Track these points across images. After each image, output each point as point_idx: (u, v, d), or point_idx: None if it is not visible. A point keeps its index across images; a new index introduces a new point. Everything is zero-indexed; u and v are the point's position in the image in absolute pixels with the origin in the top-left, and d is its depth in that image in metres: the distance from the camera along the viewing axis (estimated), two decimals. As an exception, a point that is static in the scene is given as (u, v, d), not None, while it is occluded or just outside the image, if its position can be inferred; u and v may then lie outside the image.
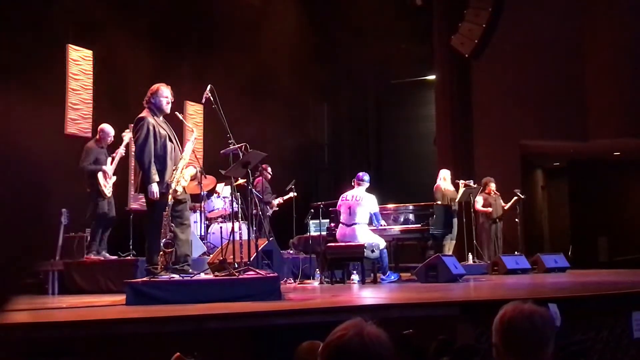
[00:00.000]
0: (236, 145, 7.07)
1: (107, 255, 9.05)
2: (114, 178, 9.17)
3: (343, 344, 1.85)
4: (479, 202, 12.22)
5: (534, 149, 15.35)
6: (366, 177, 9.66)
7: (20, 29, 9.99)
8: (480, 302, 5.66)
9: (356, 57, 15.75)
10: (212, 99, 6.96)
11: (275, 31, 13.12)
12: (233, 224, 7.39)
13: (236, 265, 6.64)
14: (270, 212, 11.76)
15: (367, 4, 14.31)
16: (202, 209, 10.45)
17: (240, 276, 6.28)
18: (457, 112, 14.94)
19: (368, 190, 9.65)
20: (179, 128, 7.09)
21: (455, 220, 11.48)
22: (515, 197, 12.50)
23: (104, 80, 11.29)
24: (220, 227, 10.44)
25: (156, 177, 6.44)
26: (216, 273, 6.78)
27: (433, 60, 15.47)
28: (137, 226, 9.51)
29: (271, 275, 6.59)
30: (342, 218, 9.49)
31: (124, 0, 11.56)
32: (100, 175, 8.91)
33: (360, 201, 9.36)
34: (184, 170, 6.75)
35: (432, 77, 16.13)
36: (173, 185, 6.55)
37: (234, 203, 8.08)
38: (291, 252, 11.05)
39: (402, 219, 10.23)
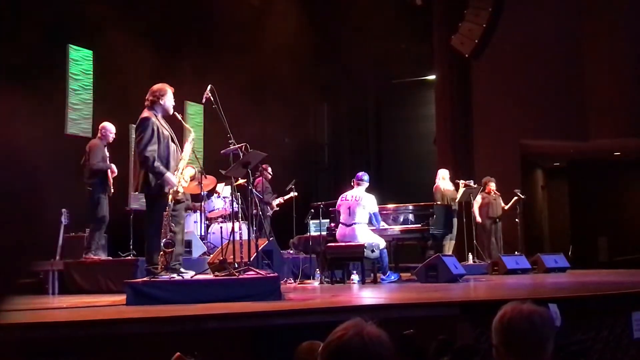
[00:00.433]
0: (236, 145, 7.07)
1: (101, 255, 9.02)
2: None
3: (343, 344, 1.85)
4: (476, 202, 12.22)
5: (534, 149, 15.36)
6: (365, 177, 9.65)
7: (21, 29, 9.99)
8: (480, 302, 5.66)
9: (356, 57, 15.76)
10: (212, 99, 6.96)
11: (275, 31, 13.13)
12: (233, 224, 7.39)
13: (236, 265, 6.64)
14: (270, 212, 11.76)
15: (367, 4, 14.31)
16: (202, 209, 10.45)
17: (241, 276, 6.28)
18: (457, 112, 14.94)
19: (368, 190, 9.65)
20: (178, 129, 7.07)
21: (455, 220, 11.48)
22: (516, 197, 12.50)
23: (105, 80, 11.30)
24: (221, 227, 10.43)
25: (164, 168, 6.45)
26: (216, 273, 6.78)
27: (433, 60, 15.47)
28: (137, 226, 9.51)
29: (271, 275, 6.59)
30: (342, 218, 9.48)
31: (124, 1, 11.56)
32: (109, 173, 8.94)
33: (360, 201, 9.36)
34: (183, 171, 6.75)
35: (432, 77, 16.13)
36: (182, 183, 6.59)
37: (234, 203, 8.08)
38: (291, 252, 11.04)
39: (401, 219, 10.23)
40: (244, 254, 6.82)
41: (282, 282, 7.63)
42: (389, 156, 17.43)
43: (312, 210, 10.41)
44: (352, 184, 9.75)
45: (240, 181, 9.42)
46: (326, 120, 17.72)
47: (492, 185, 12.39)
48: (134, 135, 7.78)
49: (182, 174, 6.69)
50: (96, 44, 11.24)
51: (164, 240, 6.41)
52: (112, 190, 9.00)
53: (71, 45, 10.81)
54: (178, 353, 3.08)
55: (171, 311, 5.05)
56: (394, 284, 9.09)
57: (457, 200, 11.71)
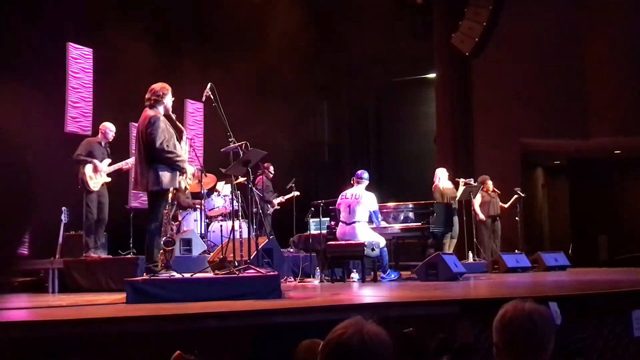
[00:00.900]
0: (236, 144, 7.07)
1: (97, 254, 9.01)
2: (107, 179, 9.08)
3: (343, 342, 1.85)
4: (477, 200, 12.22)
5: (535, 147, 15.35)
6: (365, 175, 9.64)
7: (21, 27, 9.98)
8: (481, 300, 5.66)
9: (357, 55, 15.75)
10: (212, 97, 6.96)
11: (275, 29, 13.12)
12: (233, 222, 7.39)
13: (236, 264, 6.64)
14: (271, 210, 11.77)
15: (368, 2, 14.30)
16: (203, 207, 10.46)
17: (241, 274, 6.29)
18: (458, 111, 14.93)
19: (368, 188, 9.65)
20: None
21: (456, 219, 11.48)
22: (516, 196, 12.50)
23: (105, 78, 11.29)
24: (221, 226, 10.44)
25: (182, 158, 6.51)
26: (216, 271, 6.79)
27: (433, 59, 15.46)
28: (137, 224, 9.51)
29: (271, 273, 6.59)
30: (342, 217, 9.48)
31: (124, -2, 11.57)
32: (89, 167, 8.88)
33: (360, 199, 9.36)
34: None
35: (432, 75, 16.12)
36: (183, 185, 6.62)
37: (234, 201, 8.08)
38: (291, 250, 11.05)
39: (401, 218, 10.23)
40: (244, 252, 6.82)
41: (282, 280, 7.63)
42: (389, 154, 17.41)
43: (312, 209, 10.41)
44: (352, 182, 9.75)
45: (241, 179, 9.42)
46: (326, 119, 17.71)
47: (489, 184, 12.38)
48: (134, 134, 7.77)
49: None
50: (96, 42, 11.23)
51: (164, 239, 6.42)
52: (93, 187, 8.88)
53: (71, 43, 10.80)
54: (178, 351, 3.08)
55: (171, 309, 5.05)
56: (394, 282, 9.09)
57: (457, 199, 11.70)
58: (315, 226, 10.80)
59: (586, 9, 14.06)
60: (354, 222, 9.29)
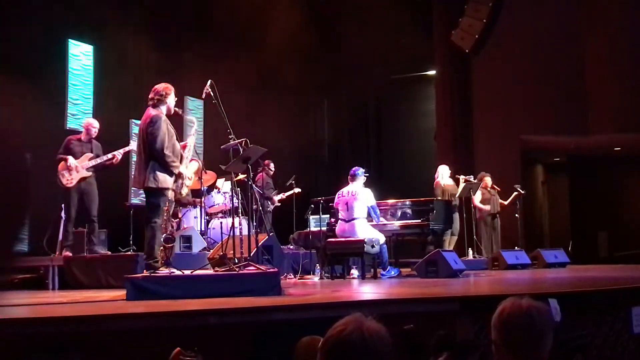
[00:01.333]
0: (236, 141, 7.07)
1: (100, 250, 9.01)
2: (86, 173, 8.94)
3: (343, 339, 1.85)
4: (477, 197, 12.22)
5: (534, 144, 15.34)
6: (359, 171, 9.63)
7: (21, 25, 9.98)
8: (480, 297, 5.66)
9: (356, 52, 15.74)
10: (212, 94, 6.97)
11: (275, 27, 13.12)
12: (233, 219, 7.40)
13: (236, 261, 6.65)
14: (271, 207, 11.78)
15: (368, 0, 14.31)
16: (202, 204, 10.46)
17: (241, 271, 6.29)
18: (458, 108, 14.94)
19: (367, 185, 9.65)
20: (178, 125, 7.09)
21: (456, 216, 11.49)
22: (516, 193, 12.50)
23: (105, 75, 11.30)
24: (221, 223, 10.44)
25: (179, 163, 6.53)
26: (216, 268, 6.79)
27: (433, 56, 15.47)
28: (137, 221, 9.51)
29: (271, 270, 6.59)
30: (341, 214, 9.49)
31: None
32: (61, 164, 8.83)
33: (357, 195, 9.36)
34: (188, 165, 6.80)
35: (432, 72, 16.13)
36: (184, 191, 6.65)
37: (234, 198, 8.08)
38: (291, 247, 11.05)
39: (399, 214, 10.23)
40: (244, 249, 6.82)
41: (282, 277, 7.63)
42: (389, 152, 17.41)
43: (312, 206, 10.41)
44: (347, 180, 9.74)
45: (241, 176, 9.42)
46: (326, 116, 17.71)
47: (488, 180, 12.38)
48: (135, 131, 7.78)
49: (187, 168, 6.74)
50: (96, 40, 11.23)
51: (164, 236, 6.43)
52: (65, 183, 8.81)
53: (71, 41, 10.80)
54: (178, 348, 3.09)
55: (171, 306, 5.05)
56: (394, 279, 9.10)
57: (457, 196, 11.70)
58: (315, 223, 10.81)
59: (586, 6, 14.05)
60: (353, 219, 9.30)
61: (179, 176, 6.58)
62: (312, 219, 10.81)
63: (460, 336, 4.62)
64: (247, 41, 13.08)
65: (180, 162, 6.67)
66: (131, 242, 9.76)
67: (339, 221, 9.51)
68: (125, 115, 10.93)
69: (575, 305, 5.32)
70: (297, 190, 11.38)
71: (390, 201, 10.55)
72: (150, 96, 6.70)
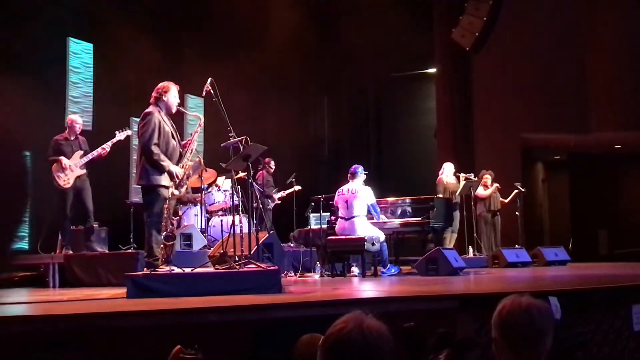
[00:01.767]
0: (237, 139, 7.07)
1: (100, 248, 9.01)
2: (81, 171, 8.94)
3: (343, 336, 1.85)
4: (479, 190, 12.22)
5: (535, 142, 15.33)
6: (359, 169, 9.62)
7: (21, 22, 9.98)
8: (481, 295, 5.66)
9: (356, 50, 15.74)
10: (212, 92, 6.96)
11: (276, 24, 13.11)
12: (234, 217, 7.40)
13: (237, 259, 6.65)
14: (271, 205, 11.79)
15: (368, -3, 14.33)
16: (203, 202, 10.46)
17: (241, 269, 6.29)
18: (458, 106, 14.93)
19: (367, 182, 9.64)
20: (179, 123, 7.09)
21: (456, 213, 11.50)
22: (516, 191, 12.51)
23: (105, 73, 11.29)
24: (221, 220, 10.44)
25: (168, 162, 6.48)
26: (217, 266, 6.79)
27: (433, 54, 15.46)
28: (137, 219, 9.51)
29: (272, 268, 6.59)
30: (341, 212, 9.49)
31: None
32: (54, 165, 8.80)
33: (357, 193, 9.36)
34: (187, 165, 6.78)
35: (432, 70, 16.12)
36: (180, 191, 6.64)
37: (235, 196, 8.08)
38: (292, 245, 11.06)
39: (399, 212, 10.23)
40: (245, 247, 6.82)
41: (282, 275, 7.64)
42: (389, 149, 17.41)
43: (313, 204, 10.42)
44: (347, 178, 9.74)
45: (241, 174, 9.42)
46: (326, 114, 17.71)
47: (488, 178, 12.38)
48: (135, 129, 7.78)
49: (189, 163, 6.72)
50: (97, 37, 11.23)
51: (164, 234, 6.42)
52: (63, 184, 8.80)
53: (71, 38, 10.79)
54: (178, 346, 3.08)
55: (171, 304, 5.05)
56: (394, 277, 9.10)
57: (457, 193, 11.71)
58: (315, 221, 10.82)
59: (586, 4, 14.03)
60: (353, 217, 9.30)
61: (170, 174, 6.52)
62: (313, 216, 10.82)
63: (461, 334, 4.62)
64: (247, 39, 13.06)
65: (180, 160, 6.65)
66: (132, 240, 9.76)
67: (339, 219, 9.51)
68: (126, 113, 10.91)
69: (576, 303, 5.32)
70: (297, 187, 11.38)
71: (391, 199, 10.55)
72: (152, 94, 6.74)
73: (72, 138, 9.07)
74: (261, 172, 11.74)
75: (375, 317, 1.92)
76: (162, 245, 6.38)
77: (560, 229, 17.30)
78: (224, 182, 11.07)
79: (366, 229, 9.23)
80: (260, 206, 10.33)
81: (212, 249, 9.07)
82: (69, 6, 10.88)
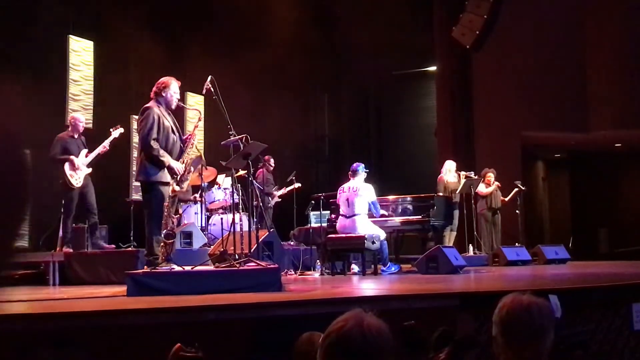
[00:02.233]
0: (237, 137, 7.06)
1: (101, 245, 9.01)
2: (87, 170, 8.97)
3: (343, 335, 1.85)
4: (481, 188, 12.23)
5: (535, 141, 15.35)
6: (360, 167, 9.60)
7: (21, 20, 9.97)
8: (481, 293, 5.66)
9: (357, 48, 15.74)
10: (212, 90, 6.95)
11: (276, 22, 13.10)
12: (234, 215, 7.39)
13: (237, 257, 6.65)
14: (272, 203, 11.79)
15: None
16: (203, 200, 10.46)
17: (241, 267, 6.29)
18: (458, 104, 14.94)
19: (367, 180, 9.63)
20: (180, 119, 7.09)
21: (456, 212, 11.49)
22: (516, 189, 12.51)
23: (105, 71, 11.28)
24: (221, 219, 10.43)
25: (168, 157, 6.46)
26: (217, 264, 6.79)
27: (434, 52, 15.46)
28: (137, 217, 9.51)
29: (272, 266, 6.59)
30: (342, 210, 9.47)
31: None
32: (67, 165, 8.84)
33: (358, 191, 9.34)
34: (187, 161, 6.78)
35: (432, 68, 16.12)
36: (179, 188, 6.64)
37: (235, 194, 8.08)
38: (292, 243, 11.05)
39: (399, 210, 10.22)
40: (245, 245, 6.82)
41: (282, 273, 7.63)
42: (389, 147, 17.42)
43: (313, 202, 10.42)
44: (348, 176, 9.74)
45: (241, 172, 9.42)
46: (327, 112, 17.71)
47: (491, 176, 12.39)
48: (135, 126, 7.79)
49: (190, 159, 6.71)
50: (97, 35, 11.21)
51: (164, 232, 6.42)
52: (75, 184, 8.82)
53: (71, 36, 10.78)
54: (178, 344, 3.08)
55: (172, 302, 5.05)
56: (395, 275, 9.10)
57: (457, 192, 11.70)
58: (315, 219, 10.81)
59: (587, 3, 14.03)
60: (354, 215, 9.28)
61: (170, 170, 6.52)
62: (313, 215, 10.81)
63: (461, 332, 4.62)
64: (248, 37, 13.06)
65: (180, 155, 6.64)
66: (132, 238, 9.75)
67: (340, 217, 9.50)
68: (126, 111, 10.90)
69: (576, 302, 5.33)
70: (297, 185, 11.38)
71: (391, 197, 10.53)
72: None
73: (76, 136, 9.10)
74: (261, 170, 11.74)
75: (375, 315, 1.91)
76: (162, 244, 6.37)
77: (561, 227, 17.34)
78: (224, 180, 11.07)
79: (367, 227, 9.22)
80: (261, 204, 10.33)
81: (212, 247, 9.06)
82: (70, 3, 10.87)
